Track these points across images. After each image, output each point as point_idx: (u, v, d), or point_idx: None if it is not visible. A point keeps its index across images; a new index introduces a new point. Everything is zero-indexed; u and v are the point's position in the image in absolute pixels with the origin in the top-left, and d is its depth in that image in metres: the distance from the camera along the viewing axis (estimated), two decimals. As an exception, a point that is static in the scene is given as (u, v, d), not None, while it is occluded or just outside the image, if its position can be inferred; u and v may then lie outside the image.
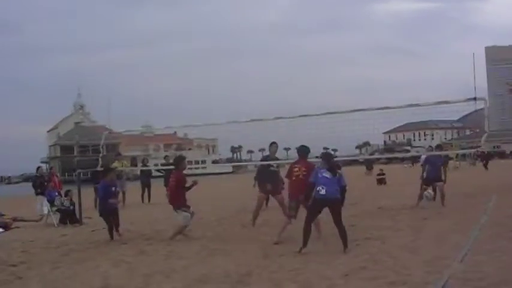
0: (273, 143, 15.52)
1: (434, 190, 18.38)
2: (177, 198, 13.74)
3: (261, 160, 16.69)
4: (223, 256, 11.10)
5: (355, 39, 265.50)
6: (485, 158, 51.58)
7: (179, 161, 14.59)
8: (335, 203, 11.33)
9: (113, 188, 14.68)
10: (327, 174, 11.28)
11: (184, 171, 14.40)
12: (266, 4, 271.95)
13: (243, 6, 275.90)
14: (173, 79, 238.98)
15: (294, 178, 12.55)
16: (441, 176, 18.63)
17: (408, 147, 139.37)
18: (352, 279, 8.59)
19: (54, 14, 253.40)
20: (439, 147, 22.92)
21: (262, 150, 70.14)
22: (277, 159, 15.78)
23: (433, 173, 18.39)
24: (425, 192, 18.04)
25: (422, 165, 19.94)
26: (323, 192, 11.20)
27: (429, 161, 18.74)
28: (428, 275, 8.39)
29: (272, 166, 15.36)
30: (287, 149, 40.10)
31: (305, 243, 11.15)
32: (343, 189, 11.98)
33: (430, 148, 23.37)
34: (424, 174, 18.61)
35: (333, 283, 8.38)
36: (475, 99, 14.03)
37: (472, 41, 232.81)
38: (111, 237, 14.17)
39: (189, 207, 13.71)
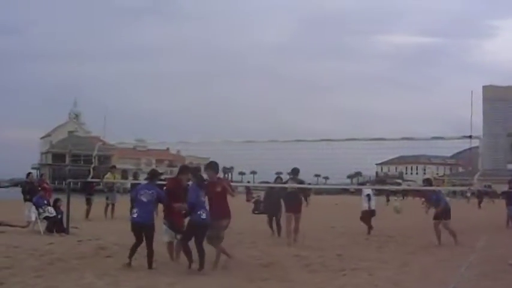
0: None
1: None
2: (165, 207, 12.78)
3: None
4: (207, 277, 11.03)
5: (354, 68, 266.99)
6: (481, 196, 51.08)
7: (180, 169, 13.32)
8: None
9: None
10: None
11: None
12: (267, 26, 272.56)
13: (244, 27, 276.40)
14: (170, 96, 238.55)
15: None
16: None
17: (399, 180, 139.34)
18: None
19: (58, 19, 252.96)
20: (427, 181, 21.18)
21: (253, 172, 70.38)
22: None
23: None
24: None
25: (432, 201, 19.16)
26: (204, 216, 11.44)
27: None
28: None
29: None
30: (279, 173, 40.08)
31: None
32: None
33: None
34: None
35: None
36: (470, 137, 14.04)
37: (469, 78, 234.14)
38: (150, 265, 11.76)
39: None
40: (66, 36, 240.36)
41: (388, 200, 55.38)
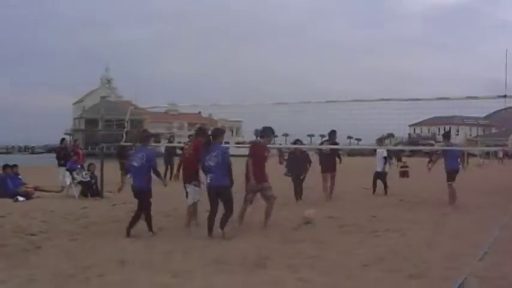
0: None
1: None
2: (190, 169, 12.50)
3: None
4: (242, 239, 11.07)
5: (387, 29, 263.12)
6: None
7: (197, 132, 13.23)
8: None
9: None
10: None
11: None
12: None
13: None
14: (200, 59, 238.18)
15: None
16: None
17: (432, 141, 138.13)
18: (371, 269, 8.52)
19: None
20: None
21: (285, 135, 70.35)
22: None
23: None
24: None
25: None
26: (207, 180, 11.44)
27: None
28: (447, 271, 8.30)
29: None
30: (311, 136, 39.93)
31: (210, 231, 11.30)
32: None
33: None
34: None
35: (351, 273, 8.30)
36: (505, 96, 13.81)
37: (504, 37, 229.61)
38: (150, 228, 11.65)
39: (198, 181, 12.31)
40: (95, 2, 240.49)
41: (430, 161, 54.81)
